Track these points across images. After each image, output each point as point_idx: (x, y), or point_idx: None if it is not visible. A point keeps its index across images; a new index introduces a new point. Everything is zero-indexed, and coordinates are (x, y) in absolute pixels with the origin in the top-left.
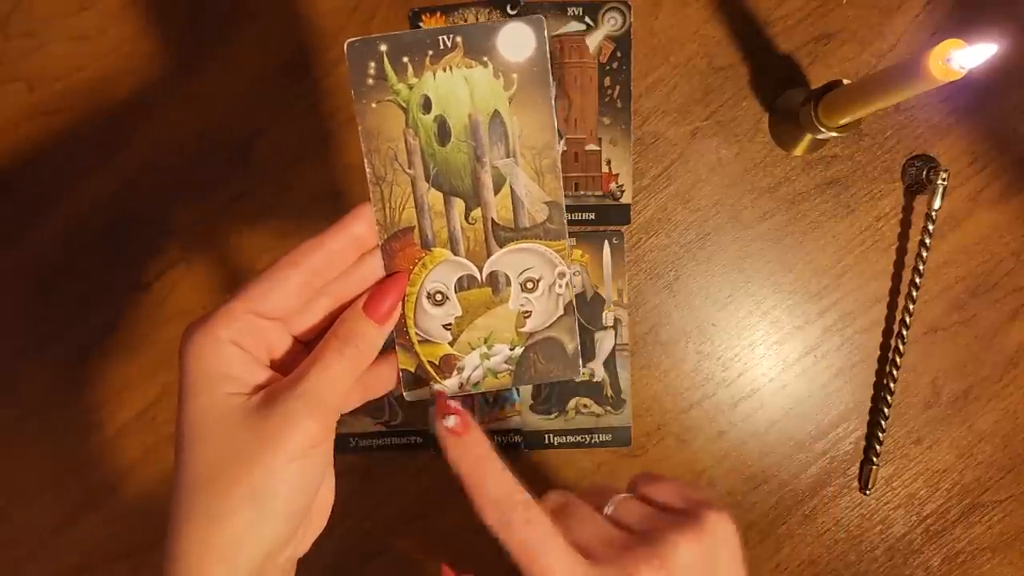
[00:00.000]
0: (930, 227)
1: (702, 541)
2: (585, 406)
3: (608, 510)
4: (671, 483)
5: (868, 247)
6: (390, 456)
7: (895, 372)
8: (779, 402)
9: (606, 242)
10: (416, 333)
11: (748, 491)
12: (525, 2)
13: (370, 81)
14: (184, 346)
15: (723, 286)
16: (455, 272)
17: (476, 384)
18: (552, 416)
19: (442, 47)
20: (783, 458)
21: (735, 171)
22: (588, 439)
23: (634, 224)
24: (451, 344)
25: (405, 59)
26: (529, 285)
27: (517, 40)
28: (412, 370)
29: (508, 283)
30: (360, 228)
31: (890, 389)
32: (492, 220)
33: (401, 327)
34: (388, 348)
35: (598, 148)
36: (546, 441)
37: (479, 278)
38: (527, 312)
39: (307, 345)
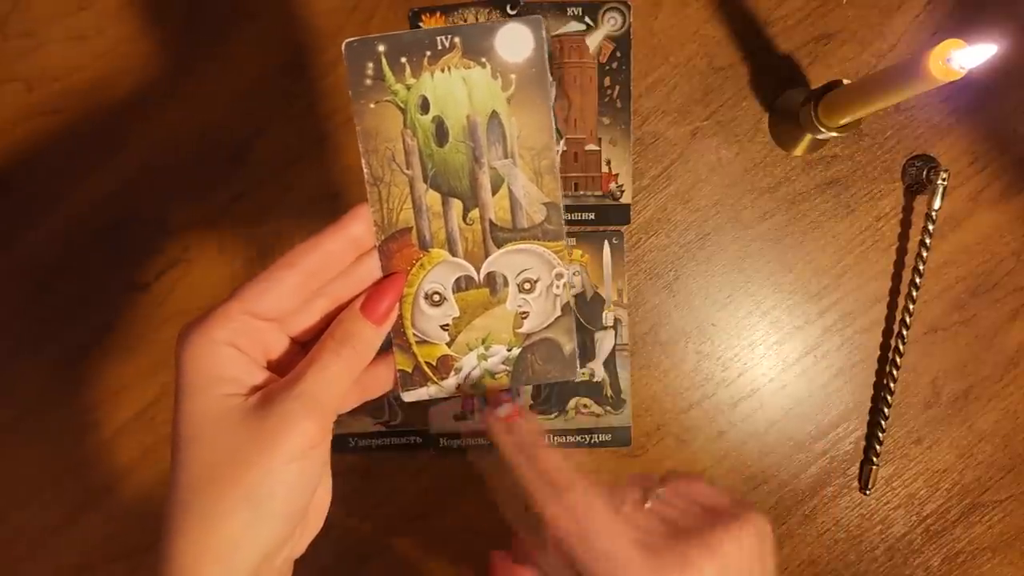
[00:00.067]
0: (930, 227)
1: (748, 538)
2: (585, 406)
3: (648, 504)
4: (708, 485)
5: (868, 247)
6: (389, 456)
7: (895, 372)
8: (779, 402)
9: (606, 242)
10: (414, 334)
11: (748, 491)
12: (525, 2)
13: (368, 81)
14: (180, 347)
15: (723, 286)
16: (453, 273)
17: (474, 385)
18: (552, 416)
19: (440, 47)
20: (783, 458)
21: (735, 171)
22: (588, 439)
23: (634, 224)
24: (449, 345)
25: (403, 59)
26: (527, 286)
27: (515, 41)
28: (409, 371)
29: (506, 284)
30: (358, 229)
31: (890, 389)
32: (490, 221)
33: (399, 328)
34: (386, 349)
35: (598, 148)
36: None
37: (477, 279)
38: (524, 313)
39: (304, 346)
